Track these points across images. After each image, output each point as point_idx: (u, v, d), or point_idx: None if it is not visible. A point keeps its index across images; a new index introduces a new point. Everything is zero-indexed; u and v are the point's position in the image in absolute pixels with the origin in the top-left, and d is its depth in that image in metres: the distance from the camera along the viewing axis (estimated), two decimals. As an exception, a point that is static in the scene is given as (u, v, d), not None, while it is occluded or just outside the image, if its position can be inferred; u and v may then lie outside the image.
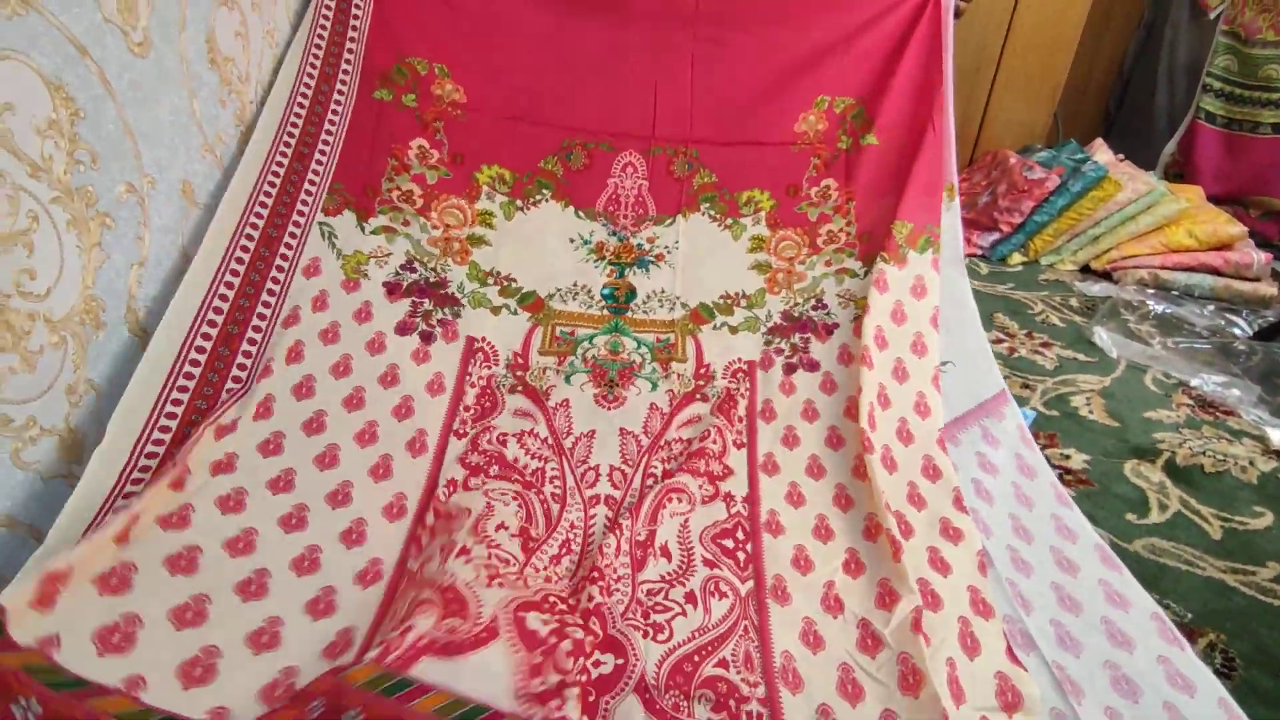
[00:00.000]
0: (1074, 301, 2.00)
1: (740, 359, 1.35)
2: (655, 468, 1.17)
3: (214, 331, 1.13)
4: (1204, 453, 1.40)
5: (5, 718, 0.66)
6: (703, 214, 1.48)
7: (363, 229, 1.34)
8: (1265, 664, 1.00)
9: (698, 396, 1.29)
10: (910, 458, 1.20)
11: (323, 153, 1.35)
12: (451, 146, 1.45)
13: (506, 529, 1.00)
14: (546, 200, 1.46)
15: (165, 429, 1.01)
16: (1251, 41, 2.35)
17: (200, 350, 1.10)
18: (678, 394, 1.30)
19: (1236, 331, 1.85)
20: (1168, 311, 1.92)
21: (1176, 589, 1.11)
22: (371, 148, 1.39)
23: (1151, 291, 2.03)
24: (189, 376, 1.07)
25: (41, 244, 0.92)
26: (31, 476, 0.95)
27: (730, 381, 1.32)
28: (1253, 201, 2.41)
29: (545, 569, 0.98)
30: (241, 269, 1.19)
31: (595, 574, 0.94)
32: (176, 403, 1.04)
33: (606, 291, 1.41)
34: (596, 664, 0.85)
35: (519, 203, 1.45)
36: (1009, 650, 0.93)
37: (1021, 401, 1.52)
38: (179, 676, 0.77)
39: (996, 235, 2.24)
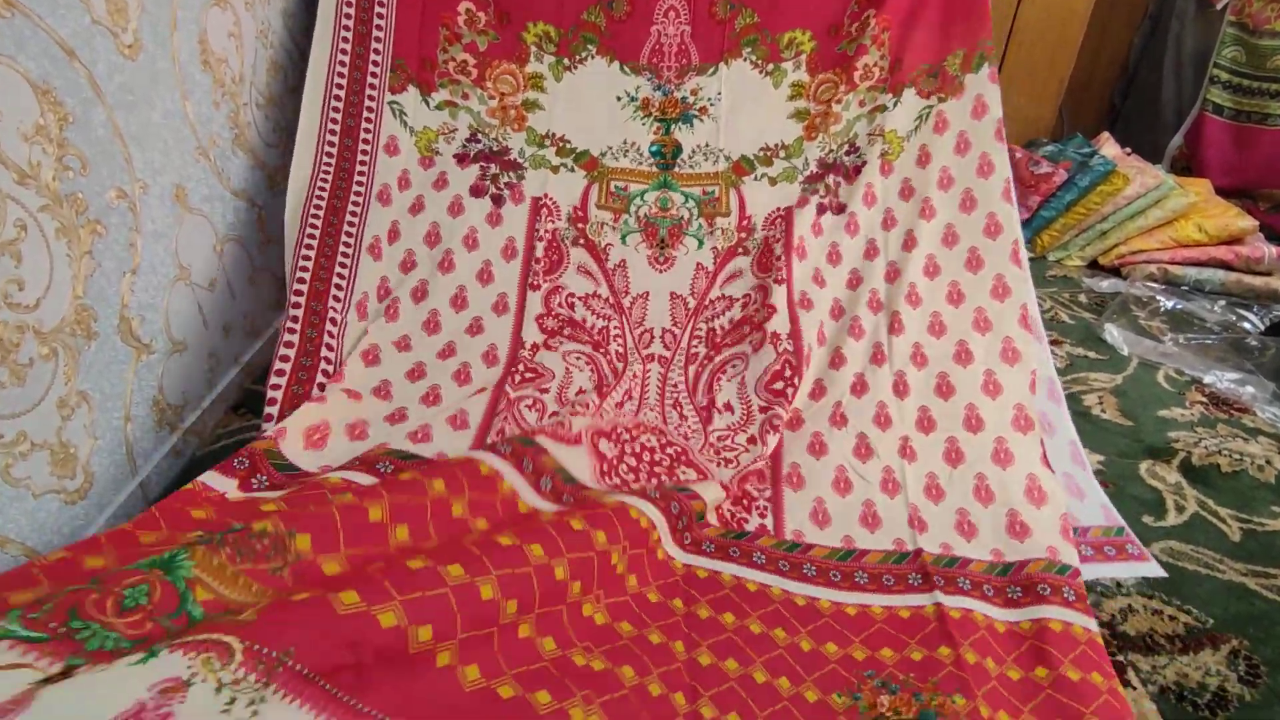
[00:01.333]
0: (1083, 298, 1.97)
1: (779, 208, 1.50)
2: (700, 329, 1.42)
3: (323, 204, 1.41)
4: (1220, 451, 1.38)
5: (245, 487, 1.02)
6: (744, 59, 1.53)
7: (427, 104, 1.52)
8: (1290, 671, 0.97)
9: (739, 250, 1.49)
10: (979, 283, 1.40)
11: (379, 28, 1.49)
12: (498, 6, 1.52)
13: (584, 392, 1.31)
14: (592, 56, 1.54)
15: (301, 279, 1.35)
16: (1259, 32, 2.32)
17: (315, 218, 1.40)
18: (721, 249, 1.49)
19: (1248, 327, 1.82)
20: (1178, 307, 1.89)
21: (1197, 594, 1.08)
22: (422, 18, 1.50)
23: (1161, 287, 2.00)
24: (310, 239, 1.39)
25: (30, 253, 0.90)
26: (22, 493, 0.92)
27: (769, 230, 1.48)
28: (1262, 194, 2.37)
29: (616, 404, 1.29)
30: (334, 150, 1.44)
31: (661, 419, 1.29)
32: (305, 258, 1.37)
33: (654, 149, 1.54)
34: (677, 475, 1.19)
35: (566, 61, 1.54)
36: (1043, 457, 1.19)
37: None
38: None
39: (1003, 231, 2.21)
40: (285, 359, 1.28)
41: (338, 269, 1.39)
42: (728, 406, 1.32)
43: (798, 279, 1.44)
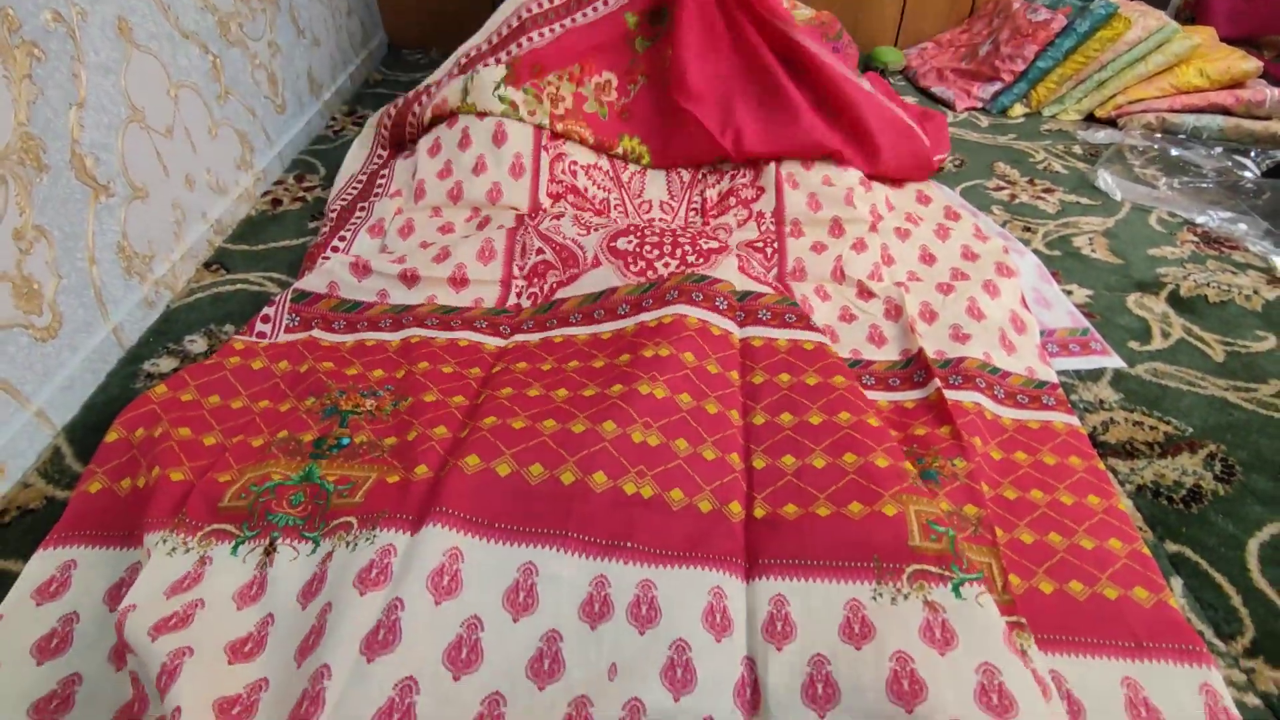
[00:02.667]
0: (1077, 149, 1.92)
1: None
2: (695, 201, 1.50)
3: None
4: (1208, 284, 1.37)
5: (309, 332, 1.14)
6: None
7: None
8: (1263, 469, 0.99)
9: None
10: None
11: None
12: None
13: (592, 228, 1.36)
14: None
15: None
16: None
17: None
18: None
19: (1245, 173, 1.78)
20: (1174, 154, 1.84)
21: (1178, 406, 1.09)
22: None
23: (1158, 136, 1.94)
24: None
25: (-43, 56, 0.84)
26: (-14, 321, 0.89)
27: None
28: (1267, 42, 2.28)
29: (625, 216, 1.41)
30: None
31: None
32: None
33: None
34: (700, 247, 1.25)
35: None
36: (1022, 299, 1.27)
37: (1023, 244, 1.48)
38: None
39: (998, 85, 2.13)
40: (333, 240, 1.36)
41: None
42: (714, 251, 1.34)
43: (786, 161, 1.49)
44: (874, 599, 0.73)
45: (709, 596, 0.74)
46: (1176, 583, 0.85)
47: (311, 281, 1.20)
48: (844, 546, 0.78)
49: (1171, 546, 0.89)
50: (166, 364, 1.12)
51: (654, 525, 0.80)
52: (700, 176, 1.51)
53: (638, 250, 1.24)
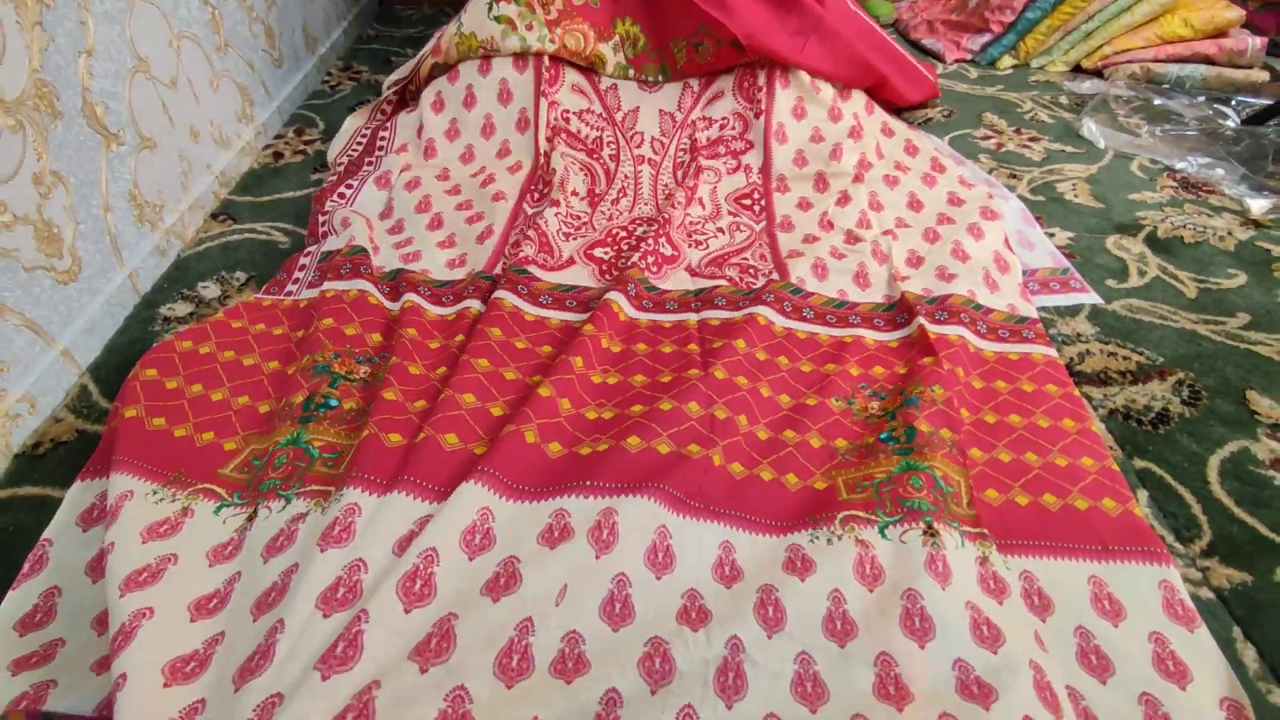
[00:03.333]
0: (1064, 99, 1.95)
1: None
2: (685, 143, 1.50)
3: None
4: (1185, 226, 1.42)
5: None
6: None
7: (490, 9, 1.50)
8: (1227, 394, 1.05)
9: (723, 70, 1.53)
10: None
11: None
12: None
13: (577, 194, 1.41)
14: None
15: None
16: None
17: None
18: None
19: (1226, 121, 1.82)
20: (1158, 104, 1.88)
21: (1150, 338, 1.15)
22: None
23: (1143, 86, 1.98)
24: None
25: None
26: (12, 264, 0.93)
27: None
28: (1252, -8, 2.30)
29: (609, 211, 1.39)
30: None
31: (656, 210, 1.39)
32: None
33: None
34: (660, 251, 1.25)
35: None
36: (1005, 240, 1.31)
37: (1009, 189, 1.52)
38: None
39: (987, 37, 2.15)
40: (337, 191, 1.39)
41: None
42: (701, 202, 1.39)
43: (778, 109, 1.49)
44: (811, 542, 0.80)
45: (654, 535, 0.79)
46: (1142, 495, 0.92)
47: (334, 242, 1.22)
48: (783, 510, 0.85)
49: (1139, 463, 0.96)
50: (182, 308, 1.16)
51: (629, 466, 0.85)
52: (691, 121, 1.53)
53: (613, 260, 1.26)
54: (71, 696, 0.65)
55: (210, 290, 1.20)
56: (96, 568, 0.79)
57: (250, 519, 0.80)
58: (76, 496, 0.86)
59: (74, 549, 0.81)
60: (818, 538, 0.80)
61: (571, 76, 1.54)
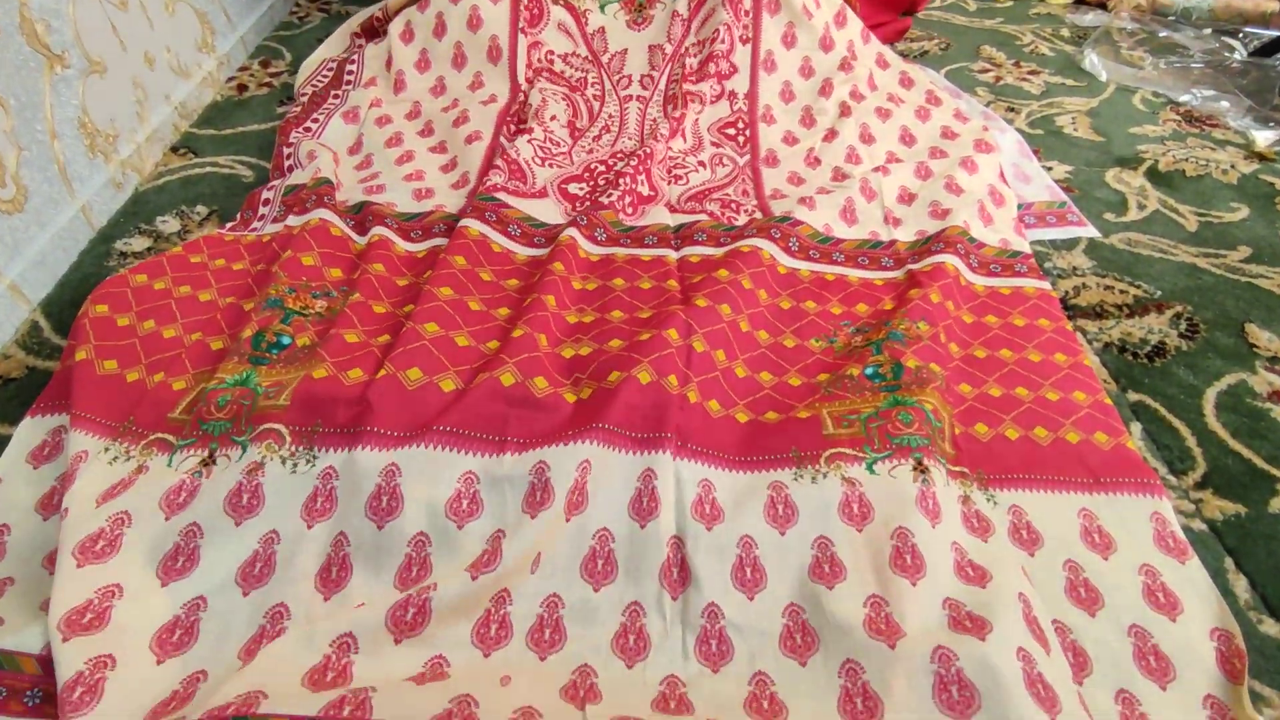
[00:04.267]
0: (1065, 32, 1.87)
1: None
2: (676, 73, 1.43)
3: None
4: (1187, 159, 1.37)
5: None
6: None
7: None
8: (1225, 326, 1.02)
9: None
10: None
11: None
12: None
13: (557, 120, 1.33)
14: None
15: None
16: None
17: None
18: None
19: (1232, 54, 1.75)
20: (1162, 35, 1.81)
21: (1149, 272, 1.11)
22: None
23: (1147, 17, 1.90)
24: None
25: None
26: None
27: None
28: (1264, -79, 2.20)
29: (589, 145, 1.32)
30: None
31: (639, 145, 1.30)
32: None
33: None
34: (638, 190, 1.18)
35: None
36: (1001, 174, 1.26)
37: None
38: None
39: (987, -32, 2.06)
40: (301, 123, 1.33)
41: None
42: (683, 134, 1.33)
43: (766, 36, 1.43)
44: (795, 480, 0.76)
45: (638, 482, 0.75)
46: (1136, 428, 0.89)
47: (299, 176, 1.15)
48: (761, 445, 0.80)
49: (1133, 396, 0.93)
50: (139, 243, 1.10)
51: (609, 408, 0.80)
52: (682, 52, 1.46)
53: (586, 198, 1.18)
54: (19, 635, 0.62)
55: (169, 225, 1.14)
56: (47, 505, 0.76)
57: (204, 464, 0.75)
58: (26, 433, 0.82)
59: (24, 486, 0.77)
60: (801, 475, 0.76)
61: (558, 14, 1.45)
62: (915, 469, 0.75)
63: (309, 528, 0.71)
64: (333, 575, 0.69)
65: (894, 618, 0.65)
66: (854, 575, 0.69)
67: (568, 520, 0.72)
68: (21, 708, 0.58)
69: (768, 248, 1.06)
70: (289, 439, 0.77)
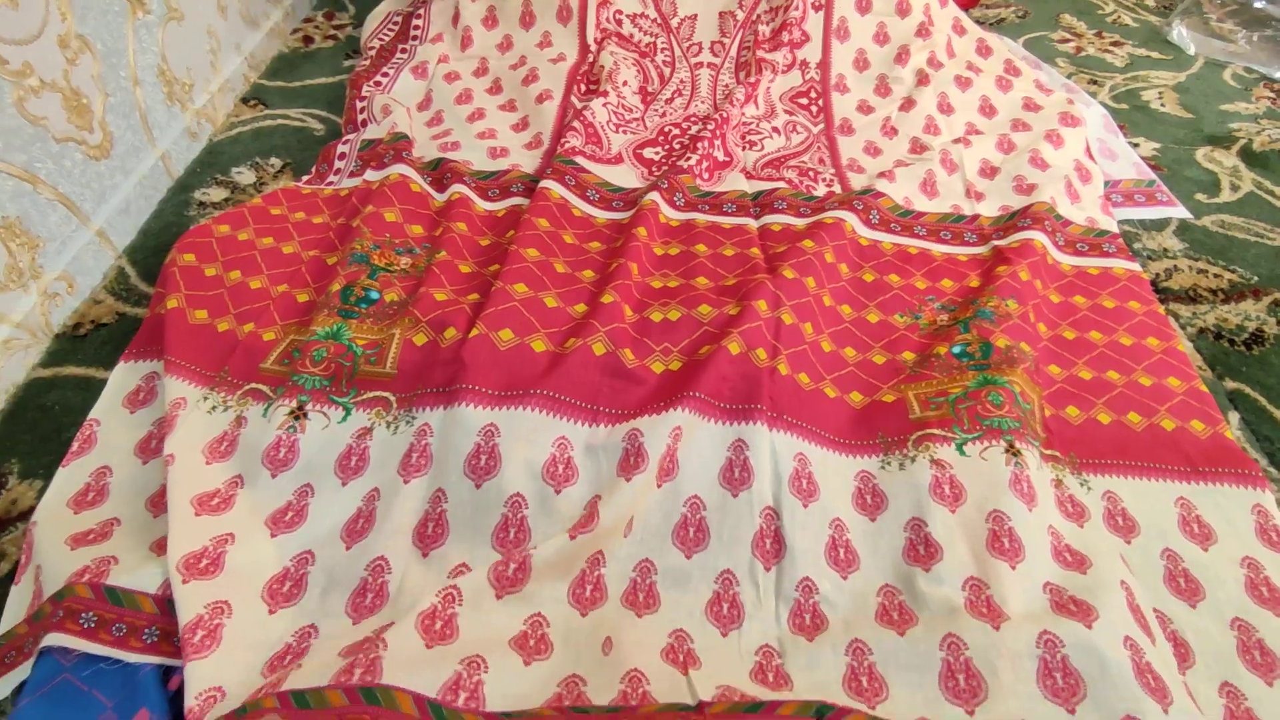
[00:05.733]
0: (1150, 2, 1.79)
1: None
2: (749, 40, 1.39)
3: None
4: (1282, 140, 1.31)
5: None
6: None
7: None
8: (1328, 317, 0.98)
9: None
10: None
11: None
12: None
13: (629, 85, 1.31)
14: None
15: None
16: None
17: None
18: None
19: (1330, 29, 1.66)
20: (1257, 6, 1.72)
21: (1244, 257, 1.07)
22: None
23: (1239, -12, 1.81)
24: None
25: None
26: (41, 132, 0.88)
27: None
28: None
29: (661, 109, 1.30)
30: None
31: (713, 109, 1.29)
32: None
33: None
34: (714, 155, 1.16)
35: None
36: (1088, 149, 1.23)
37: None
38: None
39: (1069, -69, 1.97)
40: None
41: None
42: (755, 101, 1.29)
43: (839, 4, 1.38)
44: (883, 468, 0.75)
45: (728, 452, 0.74)
46: (1234, 417, 0.86)
47: (375, 130, 1.15)
48: (849, 427, 0.80)
49: (1230, 384, 0.90)
50: (217, 193, 1.11)
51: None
52: (753, 20, 1.41)
53: (662, 162, 1.17)
54: (135, 575, 0.63)
55: (245, 176, 1.14)
56: (145, 449, 0.77)
57: (296, 417, 0.76)
58: (121, 378, 0.83)
59: (121, 430, 0.79)
60: (889, 463, 0.75)
61: None
62: (1008, 451, 0.73)
63: (405, 483, 0.72)
64: (428, 531, 0.70)
65: (995, 600, 0.64)
66: (950, 556, 0.68)
67: (659, 486, 0.72)
68: (140, 644, 0.60)
69: (850, 219, 1.04)
70: (395, 405, 0.78)
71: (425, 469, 0.73)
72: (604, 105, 1.22)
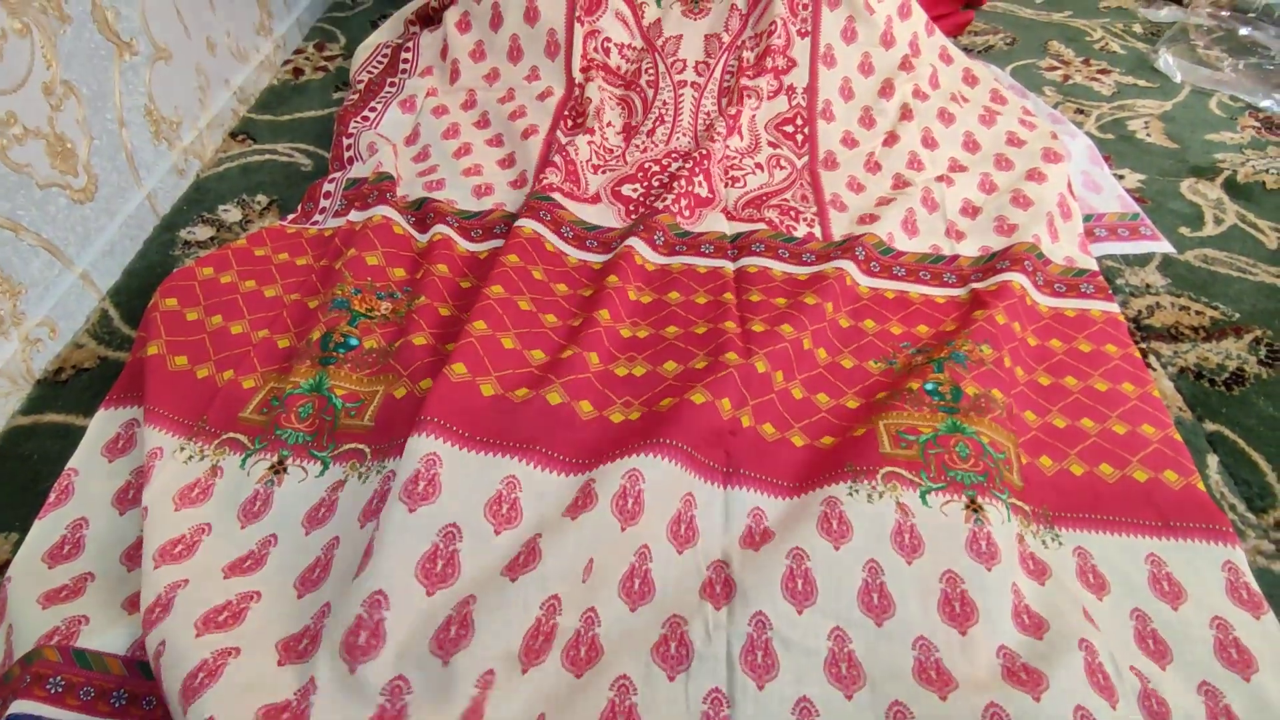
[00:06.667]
0: (1138, 28, 1.80)
1: None
2: (733, 65, 1.39)
3: None
4: (1267, 170, 1.31)
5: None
6: None
7: None
8: (1309, 356, 0.98)
9: None
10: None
11: None
12: None
13: (613, 126, 1.32)
14: None
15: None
16: None
17: None
18: None
19: (1317, 56, 1.67)
20: (1243, 34, 1.73)
21: (1227, 293, 1.07)
22: None
23: (1225, 14, 1.82)
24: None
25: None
26: (25, 180, 0.89)
27: None
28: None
29: (643, 143, 1.29)
30: None
31: (694, 142, 1.29)
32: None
33: None
34: (695, 192, 1.16)
35: None
36: (1069, 185, 1.21)
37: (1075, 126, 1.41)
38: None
39: (1057, -44, 1.98)
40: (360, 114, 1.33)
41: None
42: (740, 132, 1.30)
43: (825, 30, 1.38)
44: (850, 495, 0.75)
45: (679, 503, 0.74)
46: (1212, 460, 0.86)
47: (360, 169, 1.15)
48: (816, 470, 0.79)
49: (1210, 426, 0.90)
50: (203, 232, 1.11)
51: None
52: (738, 44, 1.42)
53: (641, 199, 1.16)
54: (105, 636, 0.63)
55: (232, 214, 1.15)
56: (123, 500, 0.77)
57: (275, 471, 0.77)
58: (101, 426, 0.84)
59: (100, 479, 0.79)
60: (857, 491, 0.75)
61: (615, 3, 1.41)
62: (968, 507, 0.73)
63: (361, 528, 0.72)
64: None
65: (944, 665, 0.64)
66: (901, 612, 0.68)
67: (622, 530, 0.71)
68: (108, 708, 0.60)
69: (850, 269, 1.04)
70: (370, 456, 0.78)
71: (380, 511, 0.72)
72: (588, 143, 1.22)
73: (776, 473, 0.79)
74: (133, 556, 0.72)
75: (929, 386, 0.86)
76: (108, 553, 0.73)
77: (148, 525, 0.70)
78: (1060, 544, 0.76)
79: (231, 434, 0.80)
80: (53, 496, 0.77)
